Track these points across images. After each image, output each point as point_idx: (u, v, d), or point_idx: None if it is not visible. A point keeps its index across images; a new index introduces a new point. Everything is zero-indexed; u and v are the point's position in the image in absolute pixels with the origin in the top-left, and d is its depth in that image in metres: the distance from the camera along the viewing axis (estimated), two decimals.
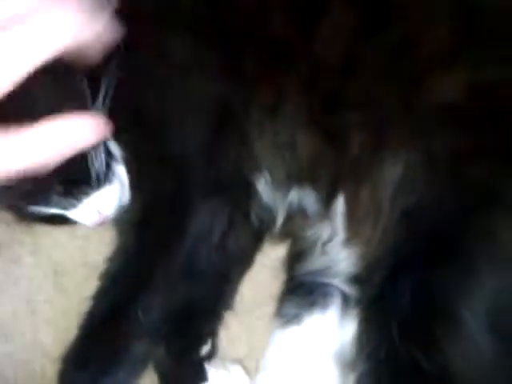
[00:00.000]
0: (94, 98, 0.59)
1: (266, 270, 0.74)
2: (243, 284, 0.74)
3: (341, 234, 0.65)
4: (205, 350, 0.68)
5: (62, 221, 0.67)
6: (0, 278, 0.74)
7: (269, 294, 0.72)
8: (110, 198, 0.64)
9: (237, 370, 0.68)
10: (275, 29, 0.63)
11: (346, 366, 0.62)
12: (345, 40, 0.61)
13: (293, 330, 0.66)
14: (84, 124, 0.48)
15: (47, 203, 0.62)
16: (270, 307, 0.71)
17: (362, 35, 0.61)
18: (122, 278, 0.63)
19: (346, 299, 0.65)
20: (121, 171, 0.65)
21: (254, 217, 0.70)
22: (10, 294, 0.73)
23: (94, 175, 0.61)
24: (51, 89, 0.56)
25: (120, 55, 0.59)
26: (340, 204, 0.64)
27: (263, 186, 0.68)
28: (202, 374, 0.66)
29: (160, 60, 0.62)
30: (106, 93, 0.60)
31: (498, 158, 0.56)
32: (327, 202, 0.66)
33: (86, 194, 0.63)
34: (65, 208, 0.64)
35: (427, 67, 0.60)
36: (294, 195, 0.68)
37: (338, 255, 0.66)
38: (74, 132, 0.48)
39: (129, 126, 0.61)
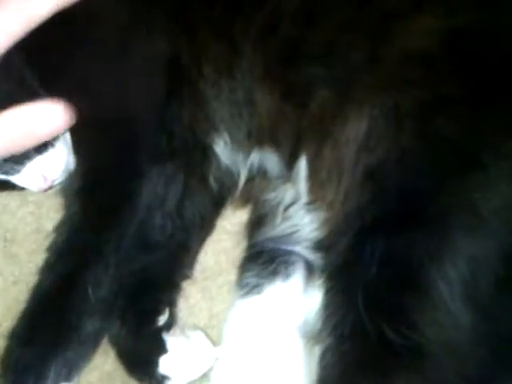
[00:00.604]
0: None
1: (228, 236, 0.71)
2: (204, 251, 0.70)
3: (304, 197, 0.61)
4: (162, 320, 0.64)
5: (10, 186, 0.64)
6: None
7: (231, 261, 0.69)
8: (54, 161, 0.60)
9: (198, 336, 0.64)
10: None
11: (311, 338, 0.58)
12: None
13: (254, 300, 0.62)
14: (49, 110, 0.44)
15: None
16: (233, 275, 0.68)
17: None
18: (69, 251, 0.60)
19: (309, 267, 0.62)
20: (65, 135, 0.60)
21: (212, 181, 0.66)
22: None
23: None
24: None
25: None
26: (302, 165, 0.60)
27: (222, 148, 0.64)
28: (160, 345, 0.62)
29: (95, 21, 0.58)
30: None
31: (472, 113, 0.52)
32: (289, 163, 0.62)
33: (28, 157, 0.59)
34: (7, 173, 0.60)
35: (398, 11, 0.55)
36: (255, 156, 0.64)
37: (301, 220, 0.62)
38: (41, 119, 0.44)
39: (67, 89, 0.56)
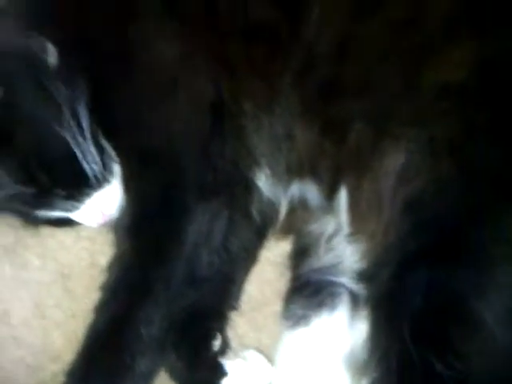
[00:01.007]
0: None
1: (271, 268, 0.72)
2: (249, 282, 0.72)
3: (345, 228, 0.62)
4: (216, 345, 0.66)
5: (67, 223, 0.68)
6: (9, 283, 0.74)
7: (276, 292, 0.70)
8: (110, 197, 0.64)
9: (253, 355, 0.66)
10: (258, 13, 0.60)
11: (358, 369, 0.59)
12: (337, 23, 0.58)
13: (301, 332, 0.63)
14: None
15: (51, 207, 0.63)
16: (277, 305, 0.69)
17: (356, 16, 0.57)
18: (120, 290, 0.61)
19: (354, 298, 0.62)
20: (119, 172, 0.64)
21: (255, 213, 0.67)
22: (20, 298, 0.73)
23: (91, 176, 0.61)
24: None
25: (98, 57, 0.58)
26: (343, 197, 0.61)
27: (263, 181, 0.66)
28: (219, 370, 0.65)
29: (142, 61, 0.61)
30: (95, 96, 0.60)
31: (509, 141, 0.52)
32: (329, 194, 0.63)
33: (87, 195, 0.63)
34: (68, 210, 0.64)
35: (430, 43, 0.55)
36: (296, 188, 0.66)
37: (344, 251, 0.63)
38: None
39: (116, 128, 0.60)
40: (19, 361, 0.70)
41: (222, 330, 0.68)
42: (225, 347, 0.67)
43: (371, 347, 0.54)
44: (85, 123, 0.59)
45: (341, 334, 0.62)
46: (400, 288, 0.52)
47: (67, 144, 0.59)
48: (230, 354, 0.67)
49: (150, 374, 0.62)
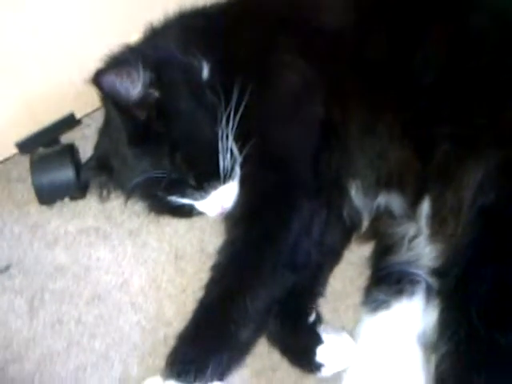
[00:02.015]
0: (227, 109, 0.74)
1: (352, 267, 0.85)
2: (334, 277, 0.84)
3: (425, 232, 0.74)
4: (311, 319, 0.77)
5: (184, 213, 0.81)
6: (131, 260, 0.88)
7: (356, 287, 0.82)
8: (230, 192, 0.77)
9: (344, 334, 0.77)
10: (373, 53, 0.74)
11: (429, 347, 0.70)
12: (440, 61, 0.72)
13: (382, 315, 0.75)
14: None
15: (181, 194, 0.76)
16: (357, 299, 0.81)
17: (457, 59, 0.71)
18: (230, 270, 0.72)
19: (429, 288, 0.74)
20: (239, 172, 0.77)
21: (346, 217, 0.81)
22: (139, 273, 0.87)
23: (222, 172, 0.74)
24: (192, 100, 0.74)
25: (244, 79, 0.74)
26: (426, 205, 0.73)
27: (354, 191, 0.79)
28: (317, 338, 0.75)
29: (275, 85, 0.76)
30: (235, 107, 0.74)
31: None
32: (413, 203, 0.75)
33: (214, 187, 0.75)
34: (195, 199, 0.77)
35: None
36: (382, 199, 0.79)
37: (423, 250, 0.75)
38: None
39: (250, 135, 0.74)
40: (135, 324, 0.84)
41: (312, 307, 0.79)
42: (319, 321, 0.78)
43: (443, 327, 0.65)
44: (230, 126, 0.73)
45: (416, 317, 0.73)
46: (470, 281, 0.64)
47: (215, 141, 0.73)
48: (325, 327, 0.77)
49: (250, 343, 0.73)
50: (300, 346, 0.76)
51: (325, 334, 0.76)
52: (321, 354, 0.74)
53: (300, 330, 0.76)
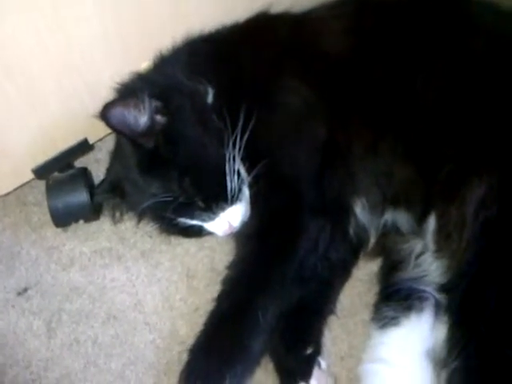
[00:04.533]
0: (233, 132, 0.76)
1: (360, 283, 0.86)
2: (343, 294, 0.86)
3: (431, 248, 0.76)
4: (308, 351, 0.79)
5: (194, 233, 0.83)
6: (144, 280, 0.91)
7: (364, 304, 0.84)
8: (238, 213, 0.79)
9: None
10: (375, 75, 0.76)
11: (439, 363, 0.71)
12: (441, 85, 0.74)
13: (391, 331, 0.76)
14: None
15: (190, 216, 0.78)
16: (365, 315, 0.83)
17: (457, 82, 0.73)
18: (241, 283, 0.75)
19: (437, 304, 0.75)
20: (246, 193, 0.80)
21: (352, 234, 0.82)
22: (152, 292, 0.89)
23: (229, 195, 0.76)
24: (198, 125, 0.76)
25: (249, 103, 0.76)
26: (431, 221, 0.75)
27: (360, 209, 0.81)
28: (306, 373, 0.77)
29: (279, 109, 0.78)
30: (241, 132, 0.76)
31: None
32: (419, 220, 0.77)
33: (222, 209, 0.78)
34: (203, 220, 0.79)
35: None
36: (388, 216, 0.80)
37: (430, 266, 0.76)
38: None
39: (257, 158, 0.76)
40: (150, 343, 0.86)
41: (319, 332, 0.81)
42: (317, 353, 0.80)
43: (452, 343, 0.67)
44: (236, 149, 0.75)
45: (425, 333, 0.74)
46: (477, 296, 0.65)
47: (222, 164, 0.75)
48: (324, 365, 0.79)
49: (261, 354, 0.75)
50: (287, 370, 0.78)
51: (319, 372, 0.77)
52: None
53: (293, 358, 0.78)
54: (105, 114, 0.71)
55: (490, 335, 0.62)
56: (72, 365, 0.84)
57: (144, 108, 0.73)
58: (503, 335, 0.62)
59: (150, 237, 0.93)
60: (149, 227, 0.90)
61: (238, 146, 0.76)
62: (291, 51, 0.81)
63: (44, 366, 0.85)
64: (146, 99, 0.73)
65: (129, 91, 0.77)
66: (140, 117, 0.73)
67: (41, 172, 0.91)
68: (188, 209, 0.78)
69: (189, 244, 0.93)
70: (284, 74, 0.79)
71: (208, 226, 0.80)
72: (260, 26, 0.87)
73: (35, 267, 0.93)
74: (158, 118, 0.75)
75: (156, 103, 0.75)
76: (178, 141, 0.76)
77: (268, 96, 0.78)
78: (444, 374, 0.67)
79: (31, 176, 0.92)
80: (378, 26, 0.80)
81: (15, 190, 0.96)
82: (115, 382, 0.83)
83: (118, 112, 0.72)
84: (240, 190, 0.78)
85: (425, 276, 0.76)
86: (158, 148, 0.75)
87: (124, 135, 0.75)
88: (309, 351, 0.79)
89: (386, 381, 0.74)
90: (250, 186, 0.79)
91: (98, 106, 0.72)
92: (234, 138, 0.76)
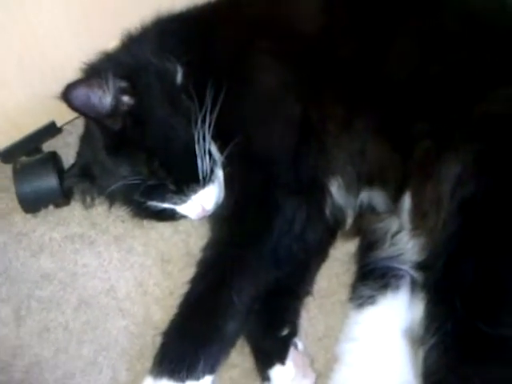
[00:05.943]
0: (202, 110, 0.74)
1: (338, 263, 0.85)
2: (320, 274, 0.85)
3: (407, 226, 0.75)
4: (284, 332, 0.78)
5: (168, 217, 0.81)
6: (117, 265, 0.89)
7: (342, 284, 0.83)
8: (211, 195, 0.77)
9: (309, 372, 0.77)
10: (347, 52, 0.75)
11: (416, 341, 0.70)
12: (414, 60, 0.73)
13: (369, 310, 0.76)
14: None
15: (161, 199, 0.76)
16: (343, 295, 0.82)
17: (427, 59, 0.73)
18: (216, 265, 0.73)
19: (413, 282, 0.75)
20: (219, 174, 0.78)
21: (328, 214, 0.81)
22: (126, 278, 0.87)
23: (201, 176, 0.74)
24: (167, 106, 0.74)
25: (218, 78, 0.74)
26: (407, 200, 0.74)
27: (336, 189, 0.80)
28: (281, 354, 0.76)
29: (250, 85, 0.76)
30: (210, 107, 0.74)
31: None
32: (395, 198, 0.76)
33: (194, 191, 0.76)
34: (175, 203, 0.77)
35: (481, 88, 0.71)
36: (364, 195, 0.79)
37: (406, 245, 0.76)
38: None
39: (229, 137, 0.74)
40: (123, 329, 0.84)
41: (295, 313, 0.80)
42: (293, 334, 0.79)
43: (429, 320, 0.66)
44: (205, 127, 0.74)
45: (402, 311, 0.74)
46: (453, 273, 0.65)
47: (192, 144, 0.73)
48: (300, 348, 0.78)
49: (237, 335, 0.74)
50: (264, 352, 0.77)
51: (295, 353, 0.76)
52: (275, 372, 0.75)
53: (270, 339, 0.77)
54: (67, 96, 0.69)
55: (466, 311, 0.62)
56: (42, 352, 0.82)
57: (108, 88, 0.71)
58: (478, 311, 0.62)
59: (123, 221, 0.91)
60: (121, 212, 0.88)
61: (207, 124, 0.74)
62: (263, 30, 0.79)
63: (12, 354, 0.82)
64: (111, 79, 0.71)
65: (95, 71, 0.75)
66: (105, 97, 0.71)
67: (7, 155, 0.88)
68: (159, 192, 0.76)
69: (163, 228, 0.91)
70: (255, 52, 0.77)
71: (180, 209, 0.78)
72: (232, 5, 0.84)
73: (3, 254, 0.90)
74: (125, 98, 0.73)
75: (122, 83, 0.72)
76: (146, 121, 0.74)
77: (238, 73, 0.76)
78: (421, 352, 0.66)
79: None
80: (349, 3, 0.79)
81: None
82: (87, 368, 0.81)
83: (81, 93, 0.70)
84: (212, 171, 0.76)
85: (401, 254, 0.76)
86: (126, 129, 0.73)
87: (89, 117, 0.73)
88: (285, 332, 0.78)
89: (364, 360, 0.73)
90: (223, 167, 0.78)
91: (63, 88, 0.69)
92: (202, 115, 0.74)
